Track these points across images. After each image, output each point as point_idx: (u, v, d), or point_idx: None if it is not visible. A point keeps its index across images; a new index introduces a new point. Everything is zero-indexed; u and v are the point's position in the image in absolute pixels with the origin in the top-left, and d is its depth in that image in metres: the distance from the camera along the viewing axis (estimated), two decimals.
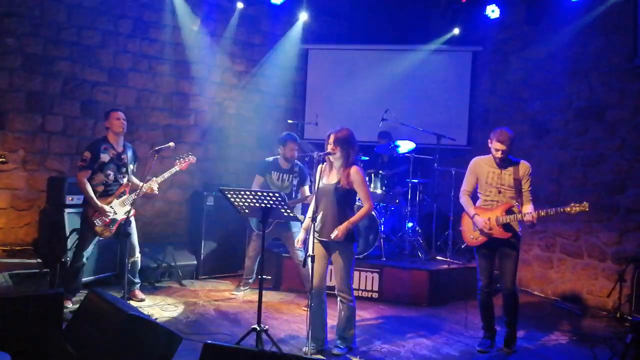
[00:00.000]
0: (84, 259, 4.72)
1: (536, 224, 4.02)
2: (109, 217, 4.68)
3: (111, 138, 4.81)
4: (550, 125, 6.42)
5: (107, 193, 4.74)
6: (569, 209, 3.83)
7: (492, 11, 6.83)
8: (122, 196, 4.80)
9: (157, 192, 4.89)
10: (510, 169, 4.11)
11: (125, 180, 4.86)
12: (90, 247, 4.75)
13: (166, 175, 4.92)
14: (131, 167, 4.93)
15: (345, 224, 3.83)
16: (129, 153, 4.92)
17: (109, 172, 4.74)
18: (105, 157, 4.72)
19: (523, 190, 4.08)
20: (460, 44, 7.40)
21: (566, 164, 6.18)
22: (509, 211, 4.06)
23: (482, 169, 4.22)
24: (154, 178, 4.81)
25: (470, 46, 7.40)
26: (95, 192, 4.67)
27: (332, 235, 3.83)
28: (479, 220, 4.13)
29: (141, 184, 4.72)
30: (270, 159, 5.49)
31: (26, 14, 5.73)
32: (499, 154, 4.07)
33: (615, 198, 5.68)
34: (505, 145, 4.03)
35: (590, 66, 5.99)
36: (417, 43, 7.60)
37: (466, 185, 4.32)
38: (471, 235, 4.26)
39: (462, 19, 7.26)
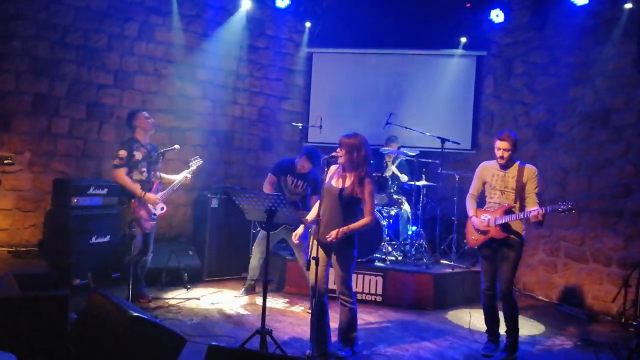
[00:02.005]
0: (149, 255, 4.96)
1: (543, 222, 4.02)
2: (151, 212, 4.88)
3: (140, 137, 4.97)
4: (554, 129, 6.41)
5: (144, 190, 4.84)
6: (555, 206, 3.86)
7: (497, 16, 6.85)
8: (157, 192, 4.96)
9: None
10: (515, 172, 4.14)
11: (156, 177, 5.01)
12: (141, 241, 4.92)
13: (193, 167, 5.20)
14: (159, 164, 5.08)
15: (341, 229, 3.82)
16: (154, 151, 5.04)
17: (143, 169, 4.89)
18: (138, 155, 4.87)
19: (528, 192, 4.09)
20: (464, 49, 7.41)
21: (571, 168, 6.17)
22: (508, 211, 4.08)
23: (488, 172, 4.28)
24: (186, 171, 5.12)
25: (474, 50, 7.40)
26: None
27: (328, 237, 3.84)
28: (474, 220, 4.23)
29: (175, 177, 5.07)
30: (288, 159, 5.49)
31: (32, 16, 5.76)
32: (500, 153, 4.13)
33: (621, 202, 5.66)
34: (506, 143, 4.08)
35: (595, 71, 5.98)
36: (421, 47, 7.61)
37: (472, 189, 4.41)
38: (473, 236, 4.31)
39: (467, 24, 7.27)
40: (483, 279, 4.32)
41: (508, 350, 4.21)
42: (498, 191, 4.19)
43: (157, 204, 4.92)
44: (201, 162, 5.26)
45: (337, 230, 3.80)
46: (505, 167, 4.17)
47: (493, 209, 4.20)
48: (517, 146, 4.17)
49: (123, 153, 4.81)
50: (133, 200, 4.80)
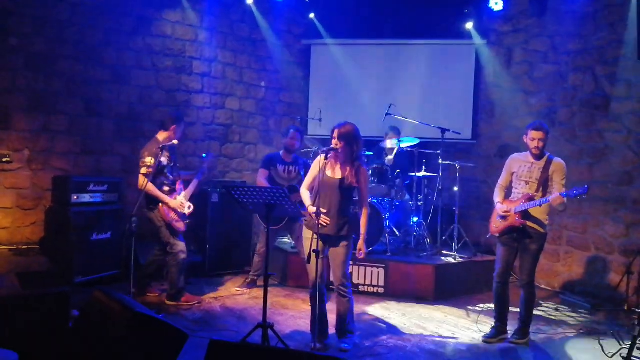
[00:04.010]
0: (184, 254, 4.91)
1: (566, 204, 4.12)
2: (184, 211, 4.89)
3: (165, 141, 4.87)
4: (555, 118, 6.37)
5: (171, 192, 4.86)
6: (569, 192, 3.94)
7: (496, 3, 6.78)
8: (181, 192, 4.95)
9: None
10: (542, 163, 4.25)
11: (178, 177, 5.00)
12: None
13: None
14: (178, 165, 5.11)
15: (361, 241, 3.98)
16: (173, 153, 5.02)
17: (168, 173, 4.87)
18: (164, 160, 4.81)
19: (555, 183, 4.18)
20: (464, 38, 7.35)
21: (572, 156, 6.13)
22: (529, 199, 4.18)
23: (516, 163, 4.40)
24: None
25: (474, 39, 7.34)
26: (162, 192, 4.81)
27: (360, 256, 3.98)
28: (498, 205, 4.36)
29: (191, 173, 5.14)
30: (273, 153, 5.59)
31: (29, 13, 5.72)
32: (535, 143, 4.21)
33: (623, 190, 5.64)
34: (541, 133, 4.20)
35: (596, 58, 5.94)
36: (420, 37, 7.56)
37: (500, 180, 4.52)
38: (494, 224, 4.43)
39: (466, 12, 7.21)
40: (497, 266, 4.43)
41: (518, 333, 4.34)
42: (523, 181, 4.30)
43: (183, 207, 4.90)
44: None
45: (361, 244, 3.97)
46: (538, 157, 4.26)
47: (516, 198, 4.31)
48: (548, 136, 4.28)
49: (150, 161, 4.66)
50: (161, 205, 4.77)
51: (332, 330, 4.15)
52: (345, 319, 4.04)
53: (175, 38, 6.76)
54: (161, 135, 4.91)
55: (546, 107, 6.50)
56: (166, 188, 4.84)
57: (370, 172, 5.70)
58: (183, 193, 4.97)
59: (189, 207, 4.98)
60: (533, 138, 4.22)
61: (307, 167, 5.39)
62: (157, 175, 4.77)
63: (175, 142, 4.84)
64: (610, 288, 5.60)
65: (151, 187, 4.69)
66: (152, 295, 5.13)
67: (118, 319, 3.03)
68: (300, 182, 5.34)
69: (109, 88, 6.30)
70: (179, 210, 4.86)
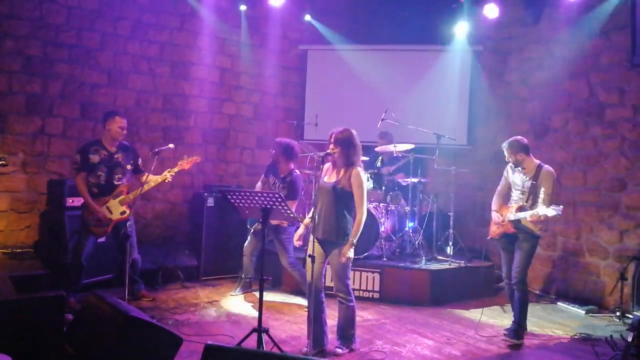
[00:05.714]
0: (83, 260, 4.71)
1: (541, 224, 4.37)
2: (106, 217, 4.70)
3: (105, 140, 4.80)
4: (550, 124, 6.42)
5: (102, 194, 4.74)
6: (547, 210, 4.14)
7: (491, 10, 6.82)
8: (119, 196, 4.77)
9: (170, 179, 4.97)
10: (532, 173, 4.43)
11: (123, 181, 4.83)
12: (90, 249, 4.75)
13: (175, 170, 4.93)
14: (128, 166, 4.89)
15: (347, 246, 3.83)
16: (123, 152, 4.87)
17: (99, 173, 4.74)
18: (94, 159, 4.72)
19: (542, 193, 4.31)
20: (460, 44, 7.38)
21: (566, 163, 6.18)
22: (520, 209, 4.39)
23: (512, 171, 4.61)
24: (167, 171, 4.93)
25: (469, 46, 7.38)
26: (91, 193, 4.70)
27: (342, 260, 3.84)
28: (493, 214, 4.65)
29: (147, 177, 4.83)
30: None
31: (25, 16, 5.73)
32: (506, 158, 4.52)
33: (616, 196, 5.67)
34: (505, 151, 4.47)
35: (590, 65, 5.98)
36: (416, 43, 7.60)
37: (499, 187, 4.74)
38: (492, 228, 4.73)
39: (462, 19, 7.25)
40: (502, 269, 4.74)
41: (513, 334, 4.45)
42: (518, 190, 4.52)
43: (97, 213, 4.66)
44: (186, 163, 4.94)
45: (345, 249, 3.81)
46: (520, 167, 4.47)
47: (510, 206, 4.54)
48: (519, 150, 4.41)
49: (77, 157, 4.74)
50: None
51: (332, 335, 4.14)
52: (345, 325, 4.04)
53: (173, 43, 6.77)
54: (104, 135, 4.83)
55: (540, 113, 6.54)
56: (95, 189, 4.71)
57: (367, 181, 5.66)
58: (120, 198, 4.76)
59: (122, 213, 4.74)
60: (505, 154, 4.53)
61: (291, 189, 5.25)
62: (89, 174, 4.71)
63: (171, 146, 4.80)
64: (604, 294, 5.63)
65: (76, 180, 4.73)
66: (147, 299, 5.11)
67: (112, 323, 3.02)
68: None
69: (104, 92, 6.30)
70: (94, 214, 4.66)
